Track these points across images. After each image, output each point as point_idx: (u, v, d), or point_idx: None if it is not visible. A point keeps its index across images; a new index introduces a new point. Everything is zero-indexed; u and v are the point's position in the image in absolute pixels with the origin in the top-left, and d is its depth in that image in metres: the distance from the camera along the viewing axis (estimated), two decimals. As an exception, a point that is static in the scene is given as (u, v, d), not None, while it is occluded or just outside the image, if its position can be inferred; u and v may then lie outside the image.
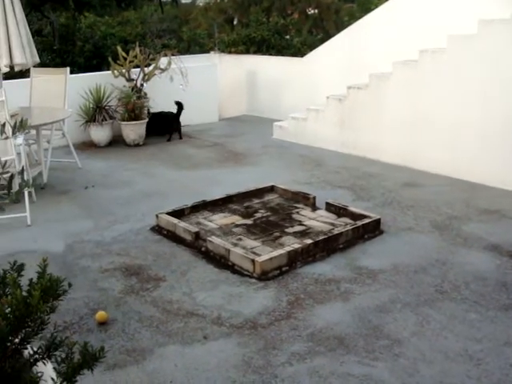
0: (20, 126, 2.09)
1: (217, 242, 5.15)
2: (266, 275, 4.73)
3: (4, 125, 2.14)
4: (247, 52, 13.22)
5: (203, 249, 5.26)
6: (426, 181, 7.31)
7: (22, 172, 1.87)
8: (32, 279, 1.91)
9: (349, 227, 5.47)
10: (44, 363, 1.95)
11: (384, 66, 8.12)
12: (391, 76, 7.99)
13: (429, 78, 7.53)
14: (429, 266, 4.95)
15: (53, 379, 1.88)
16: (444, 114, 7.40)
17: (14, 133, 2.09)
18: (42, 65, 8.58)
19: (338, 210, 6.04)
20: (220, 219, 5.99)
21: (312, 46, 13.16)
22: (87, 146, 9.40)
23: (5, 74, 7.54)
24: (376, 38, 9.42)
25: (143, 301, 4.43)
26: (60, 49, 12.96)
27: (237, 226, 5.81)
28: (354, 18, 16.48)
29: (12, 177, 1.73)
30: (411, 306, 4.30)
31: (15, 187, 1.99)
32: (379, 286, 4.61)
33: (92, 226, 6.01)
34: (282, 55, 13.02)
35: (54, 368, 1.95)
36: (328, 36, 14.19)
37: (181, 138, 9.99)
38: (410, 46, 7.90)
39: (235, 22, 21.78)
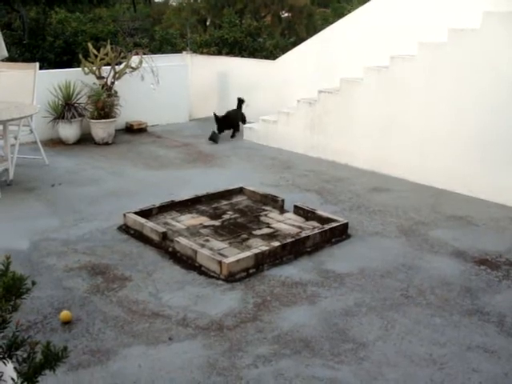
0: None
1: (184, 243, 5.13)
2: (232, 277, 4.72)
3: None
4: (219, 53, 13.23)
5: (170, 249, 5.23)
6: (393, 186, 7.37)
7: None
8: (-6, 277, 1.88)
9: (316, 231, 5.49)
10: (4, 363, 1.92)
11: (355, 71, 8.17)
12: (362, 81, 8.05)
13: (399, 85, 7.60)
14: (395, 270, 4.99)
15: (13, 379, 1.85)
16: (413, 120, 7.48)
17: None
18: (10, 59, 8.46)
19: (306, 214, 6.06)
20: (188, 220, 5.96)
21: (284, 49, 13.23)
22: (55, 144, 9.29)
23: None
24: (348, 43, 9.47)
25: (108, 301, 4.39)
26: (29, 43, 12.79)
27: (204, 227, 5.79)
28: (327, 22, 16.56)
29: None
30: (377, 310, 4.33)
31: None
32: (345, 289, 4.63)
33: (58, 224, 5.93)
34: (255, 57, 13.05)
35: (15, 368, 1.91)
36: (300, 39, 14.25)
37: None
38: (382, 51, 7.98)
39: (208, 23, 21.75)
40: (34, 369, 1.86)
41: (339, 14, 16.84)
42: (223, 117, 9.96)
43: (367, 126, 8.04)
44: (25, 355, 1.92)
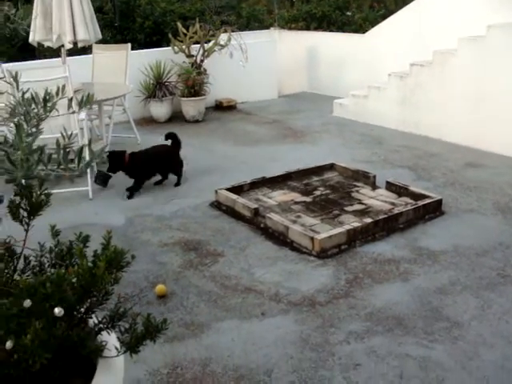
0: (86, 101, 2.12)
1: (276, 219, 5.15)
2: (324, 253, 4.71)
3: (71, 99, 2.17)
4: (307, 28, 13.09)
5: (262, 225, 5.26)
6: (489, 161, 7.11)
7: (89, 144, 1.89)
8: (96, 251, 1.95)
9: (409, 207, 5.38)
10: (108, 333, 2.00)
11: (449, 42, 7.90)
12: (456, 53, 7.77)
13: (496, 55, 7.28)
14: (491, 249, 4.83)
15: (116, 348, 1.92)
16: (510, 92, 7.16)
17: (80, 107, 2.11)
18: (103, 41, 8.69)
19: (399, 190, 5.95)
20: (279, 196, 5.98)
21: (373, 23, 12.91)
22: (147, 122, 9.51)
23: (68, 50, 7.66)
24: (440, 13, 9.15)
25: (202, 275, 4.48)
26: (120, 26, 13.08)
27: (296, 203, 5.79)
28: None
29: (82, 148, 1.76)
30: (472, 288, 4.21)
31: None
32: (439, 267, 4.53)
33: (152, 200, 6.09)
34: (343, 31, 12.83)
35: (118, 338, 1.99)
36: (390, 12, 13.89)
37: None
38: (475, 21, 7.66)
39: (295, -2, 21.55)
40: (135, 339, 1.93)
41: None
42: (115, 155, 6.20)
43: (461, 99, 7.77)
44: (126, 326, 1.99)
